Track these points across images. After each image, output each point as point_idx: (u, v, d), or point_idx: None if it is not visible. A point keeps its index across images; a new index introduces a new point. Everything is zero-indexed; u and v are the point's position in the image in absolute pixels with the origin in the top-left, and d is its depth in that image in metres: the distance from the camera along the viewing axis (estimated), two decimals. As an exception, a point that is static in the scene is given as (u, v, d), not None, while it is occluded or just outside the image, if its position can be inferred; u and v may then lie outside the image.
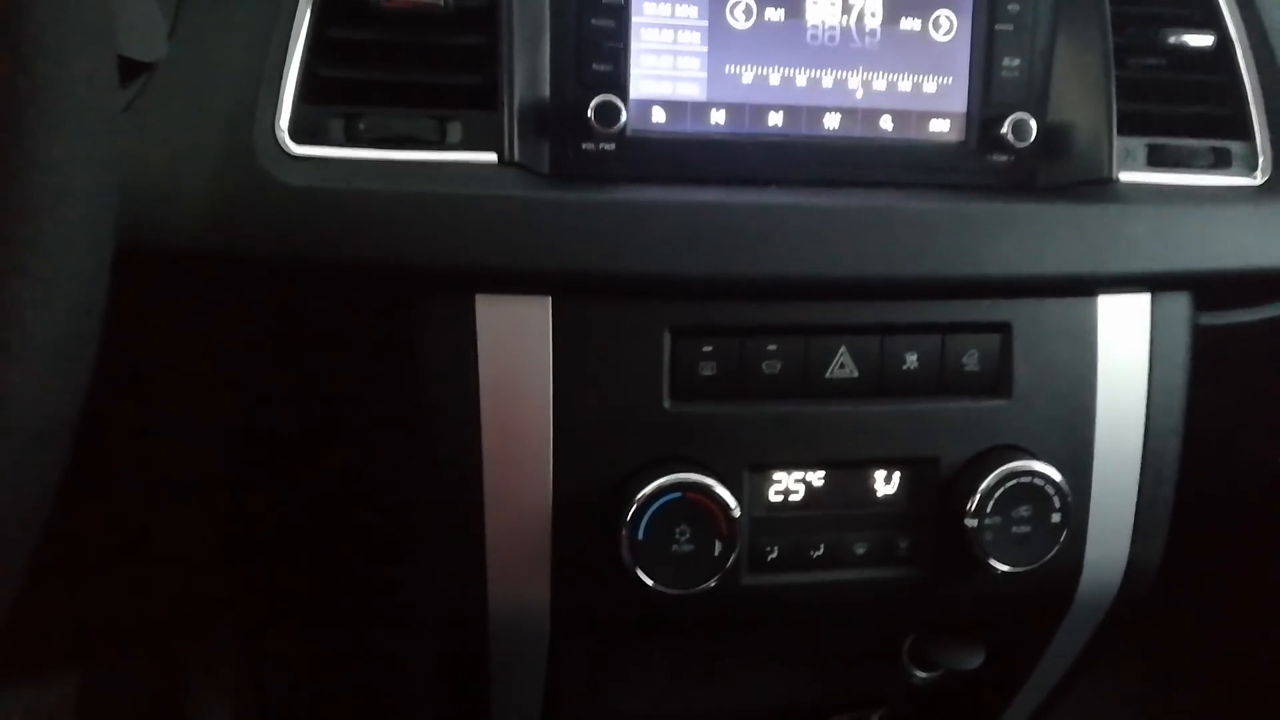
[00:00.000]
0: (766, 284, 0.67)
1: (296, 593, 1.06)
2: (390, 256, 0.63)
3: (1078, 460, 0.74)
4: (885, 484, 0.73)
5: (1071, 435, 0.74)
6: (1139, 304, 0.75)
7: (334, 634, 1.09)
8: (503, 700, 0.76)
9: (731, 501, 0.66)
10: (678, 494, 0.65)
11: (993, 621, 0.82)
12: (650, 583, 0.66)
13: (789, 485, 0.71)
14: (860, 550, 0.72)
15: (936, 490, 0.72)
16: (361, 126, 0.65)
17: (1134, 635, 0.84)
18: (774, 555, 0.71)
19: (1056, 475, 0.71)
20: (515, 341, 0.66)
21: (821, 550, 0.72)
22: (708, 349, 0.68)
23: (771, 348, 0.69)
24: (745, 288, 0.67)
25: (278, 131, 0.63)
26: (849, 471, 0.72)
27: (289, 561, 1.00)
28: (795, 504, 0.71)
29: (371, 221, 0.62)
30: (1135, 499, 0.76)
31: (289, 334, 0.70)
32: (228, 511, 0.93)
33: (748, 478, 0.70)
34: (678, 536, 0.66)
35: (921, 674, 0.86)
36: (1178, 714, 1.14)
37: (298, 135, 0.64)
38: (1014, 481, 0.70)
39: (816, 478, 0.71)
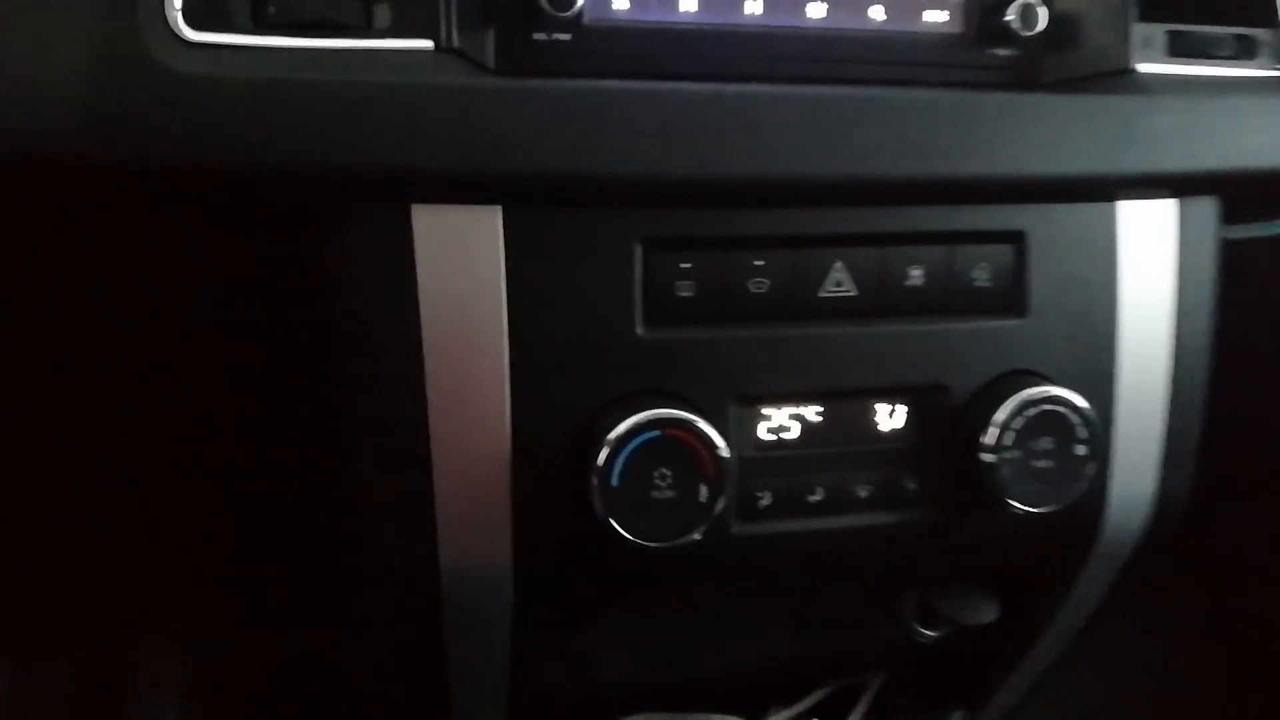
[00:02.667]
0: (751, 187, 0.58)
1: (234, 565, 0.96)
2: (307, 160, 0.53)
3: (1099, 384, 0.66)
4: (889, 417, 0.64)
5: (1092, 357, 0.66)
6: (1163, 211, 0.67)
7: (281, 609, 0.99)
8: (464, 675, 0.67)
9: (718, 439, 0.57)
10: (656, 432, 0.56)
11: (1008, 569, 0.74)
12: (627, 535, 0.57)
13: (782, 420, 0.62)
14: (863, 493, 0.64)
15: (947, 422, 0.64)
16: (271, 9, 0.54)
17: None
18: (767, 501, 0.62)
19: (1081, 401, 0.63)
20: (461, 261, 0.57)
21: (820, 494, 0.63)
22: (685, 265, 0.59)
23: (758, 262, 0.60)
24: (727, 191, 0.58)
25: (169, 12, 0.53)
26: (848, 403, 0.63)
27: (221, 533, 0.90)
28: (789, 442, 0.63)
29: (284, 117, 0.52)
30: (1163, 426, 0.68)
31: (191, 262, 0.60)
32: (144, 483, 0.83)
33: (735, 412, 0.61)
34: (657, 481, 0.57)
35: (928, 632, 0.78)
36: (1176, 677, 1.07)
37: (193, 18, 0.53)
38: (1034, 410, 0.62)
39: (812, 411, 0.63)
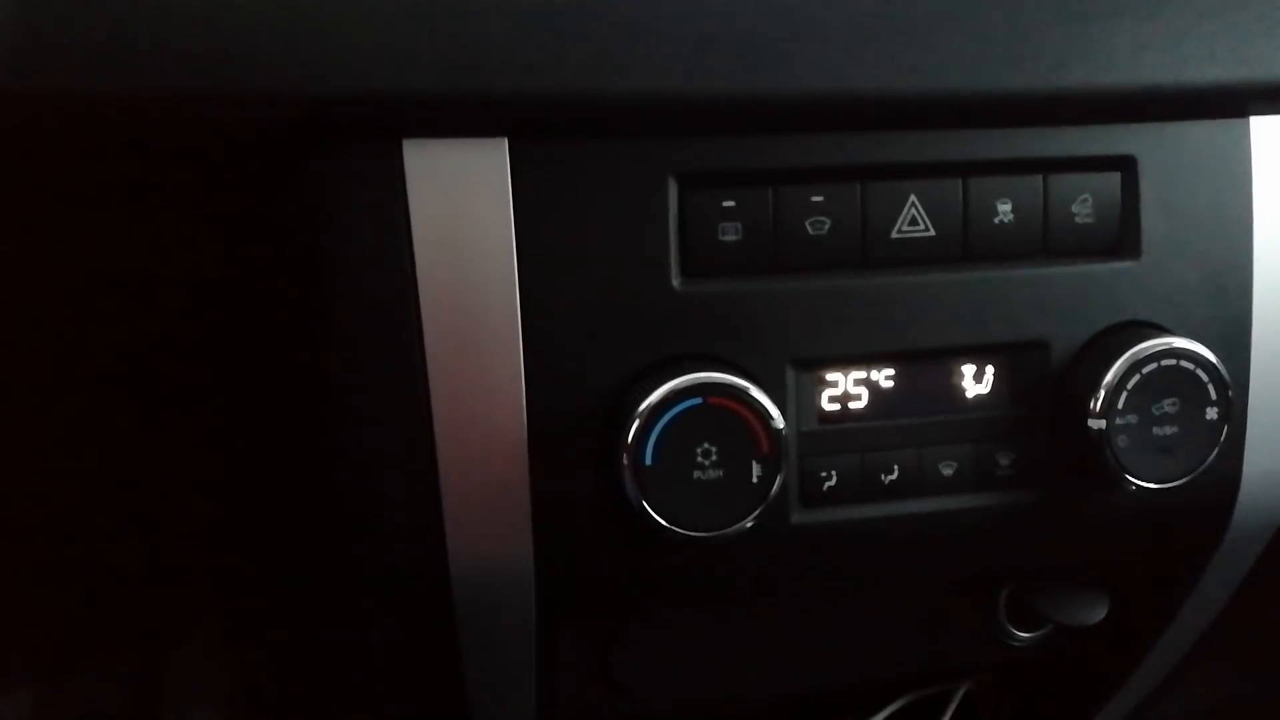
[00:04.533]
0: (806, 106, 0.48)
1: (255, 569, 0.89)
2: (271, 87, 0.44)
3: (1230, 336, 0.55)
4: (977, 381, 0.54)
5: (1221, 305, 0.55)
6: (1305, 129, 0.56)
7: (305, 616, 0.92)
8: (484, 695, 0.58)
9: (773, 407, 0.48)
10: (696, 400, 0.47)
11: (1120, 559, 0.63)
12: (664, 523, 0.47)
13: (848, 388, 0.53)
14: (947, 471, 0.54)
15: (1047, 385, 0.54)
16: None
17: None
18: (832, 482, 0.53)
19: (1210, 355, 0.52)
20: (462, 206, 0.48)
21: (896, 473, 0.53)
22: (729, 204, 0.50)
23: (816, 199, 0.51)
24: (777, 113, 0.49)
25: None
26: (928, 365, 0.53)
27: (236, 533, 0.82)
28: (857, 412, 0.53)
29: (244, 35, 0.43)
30: (1309, 386, 0.57)
31: (144, 218, 0.52)
32: (149, 483, 0.75)
33: (793, 378, 0.51)
34: (700, 459, 0.48)
35: (1023, 634, 0.67)
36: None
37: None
38: (1153, 366, 0.52)
39: (884, 376, 0.53)
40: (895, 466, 0.53)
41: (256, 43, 0.43)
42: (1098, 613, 0.61)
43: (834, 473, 0.53)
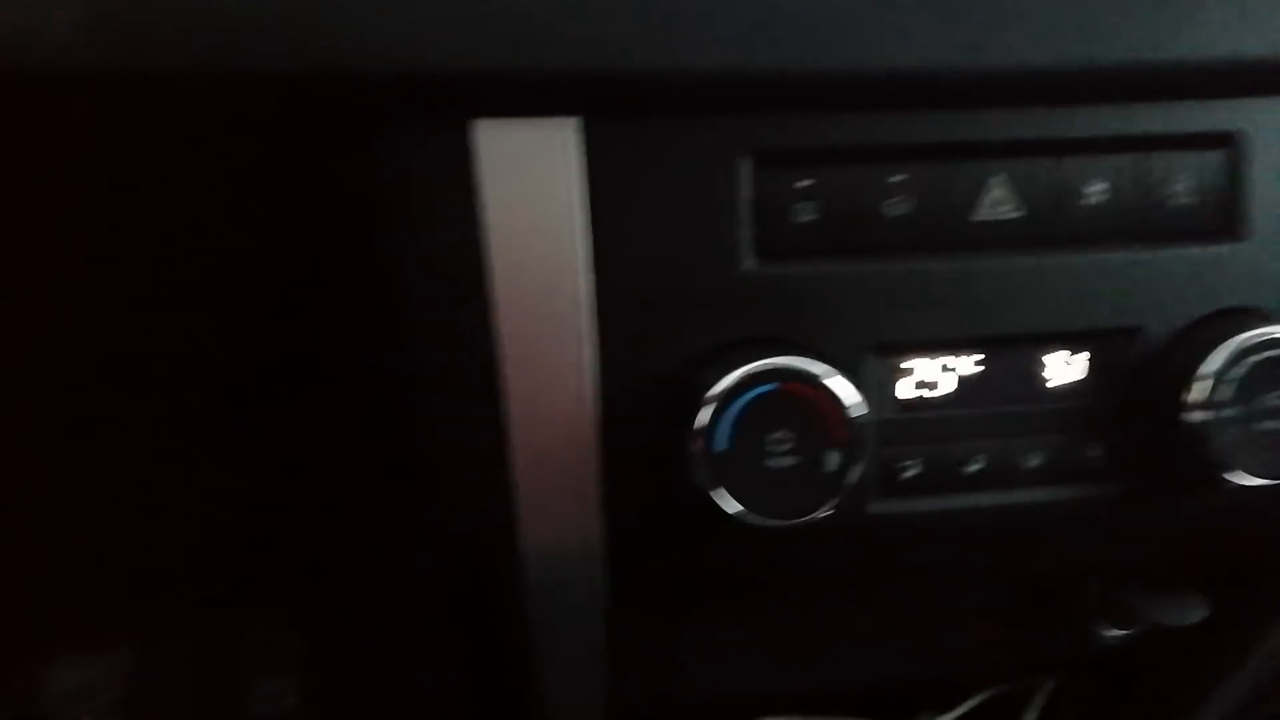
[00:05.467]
0: (885, 82, 0.47)
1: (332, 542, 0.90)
2: (338, 65, 0.44)
3: (1344, 327, 0.52)
4: (1066, 368, 0.52)
5: (1332, 292, 0.52)
6: None
7: (376, 595, 0.93)
8: (554, 677, 0.58)
9: (851, 393, 0.46)
10: (771, 385, 0.46)
11: (1220, 557, 0.60)
12: (737, 510, 0.46)
13: (930, 374, 0.51)
14: (1034, 462, 0.52)
15: (1141, 374, 0.51)
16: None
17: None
18: (913, 472, 0.51)
19: (1321, 345, 0.49)
20: (533, 185, 0.47)
21: (979, 464, 0.51)
22: (805, 183, 0.48)
23: (896, 178, 0.49)
24: (854, 90, 0.47)
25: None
26: (1013, 352, 0.51)
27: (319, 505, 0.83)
28: (940, 400, 0.51)
29: (306, 11, 0.43)
30: None
31: (207, 203, 0.52)
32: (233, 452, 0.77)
33: (872, 364, 0.50)
34: (773, 447, 0.46)
35: (1114, 632, 0.65)
36: None
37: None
38: (1259, 356, 0.49)
39: (969, 363, 0.51)
40: (978, 457, 0.51)
41: (326, 20, 0.43)
42: (1197, 613, 0.59)
43: (915, 462, 0.51)
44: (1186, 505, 0.53)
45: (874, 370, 0.50)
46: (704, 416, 0.46)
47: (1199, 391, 0.49)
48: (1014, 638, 0.65)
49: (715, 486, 0.46)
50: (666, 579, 0.53)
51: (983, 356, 0.51)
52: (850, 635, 0.64)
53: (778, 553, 0.52)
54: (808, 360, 0.46)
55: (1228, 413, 0.49)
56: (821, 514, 0.46)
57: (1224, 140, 0.51)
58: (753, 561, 0.52)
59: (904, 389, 0.51)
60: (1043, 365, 0.51)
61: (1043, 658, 0.70)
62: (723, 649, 0.61)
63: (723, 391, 0.45)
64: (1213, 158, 0.51)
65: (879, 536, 0.52)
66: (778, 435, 0.46)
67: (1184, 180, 0.51)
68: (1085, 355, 0.51)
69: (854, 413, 0.46)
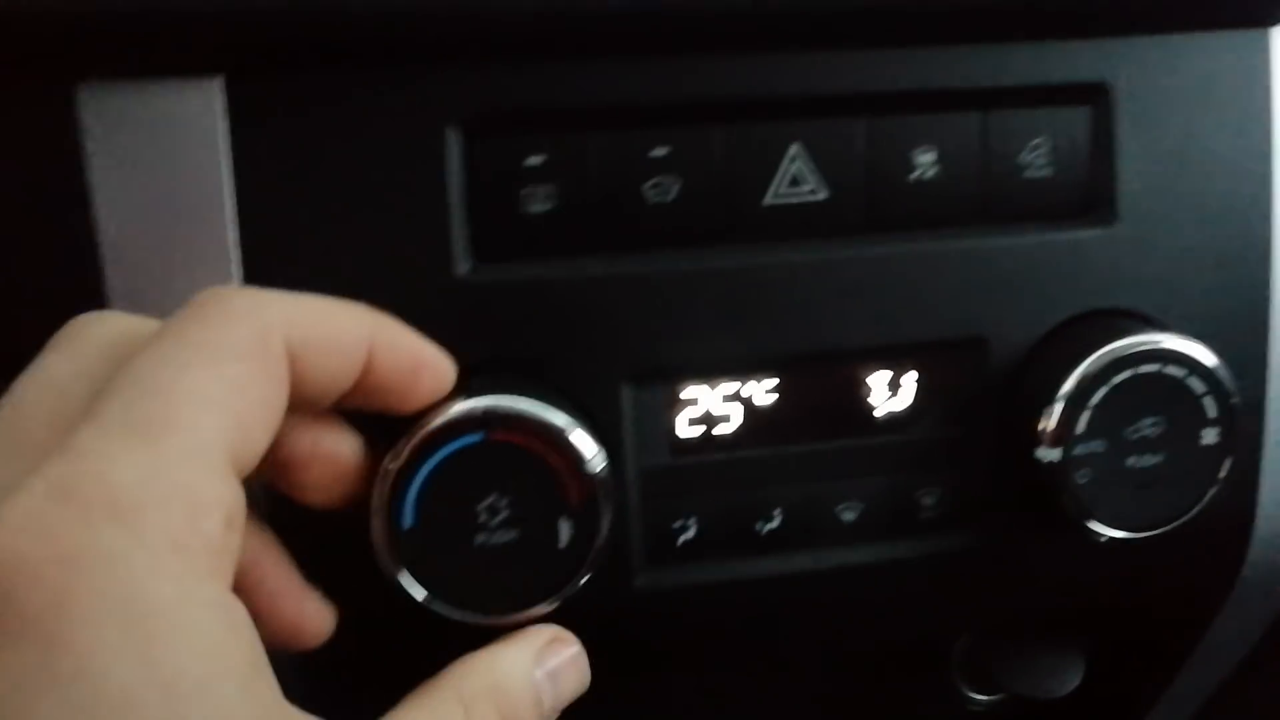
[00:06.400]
0: (640, 13, 0.34)
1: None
2: None
3: (1241, 333, 0.41)
4: (890, 393, 0.40)
5: (1226, 285, 0.41)
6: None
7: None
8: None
9: (584, 444, 0.34)
10: (474, 436, 0.34)
11: (1096, 619, 0.50)
12: (433, 606, 0.34)
13: (713, 406, 0.39)
14: (849, 515, 0.41)
15: (985, 398, 0.40)
16: None
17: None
18: (690, 534, 0.40)
19: (1208, 357, 0.38)
20: (162, 170, 0.35)
21: (778, 519, 0.40)
22: (535, 160, 0.36)
23: (658, 151, 0.37)
24: (597, 21, 0.35)
25: None
26: (822, 373, 0.40)
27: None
28: (726, 439, 0.39)
29: None
30: (1346, 395, 0.43)
31: None
32: None
33: (632, 396, 0.38)
34: (484, 518, 0.34)
35: (979, 696, 0.54)
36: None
37: None
38: (1129, 374, 0.38)
39: (763, 389, 0.39)
40: (777, 510, 0.40)
41: None
42: (1067, 682, 0.48)
43: (693, 520, 0.40)
44: (1045, 559, 0.42)
45: (639, 404, 0.38)
46: (383, 485, 0.33)
47: (1054, 419, 0.38)
48: (874, 706, 0.54)
49: (402, 571, 0.34)
50: (377, 677, 0.41)
51: (779, 381, 0.39)
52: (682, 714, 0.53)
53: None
54: (529, 399, 0.34)
55: (1090, 447, 0.38)
56: (545, 607, 0.35)
57: (1088, 93, 0.39)
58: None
59: (681, 426, 0.39)
60: (859, 390, 0.40)
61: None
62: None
63: (407, 448, 0.33)
64: (1075, 116, 0.40)
65: (653, 613, 0.40)
66: (490, 503, 0.34)
67: (1037, 146, 0.39)
68: (914, 375, 0.40)
69: (589, 469, 0.34)
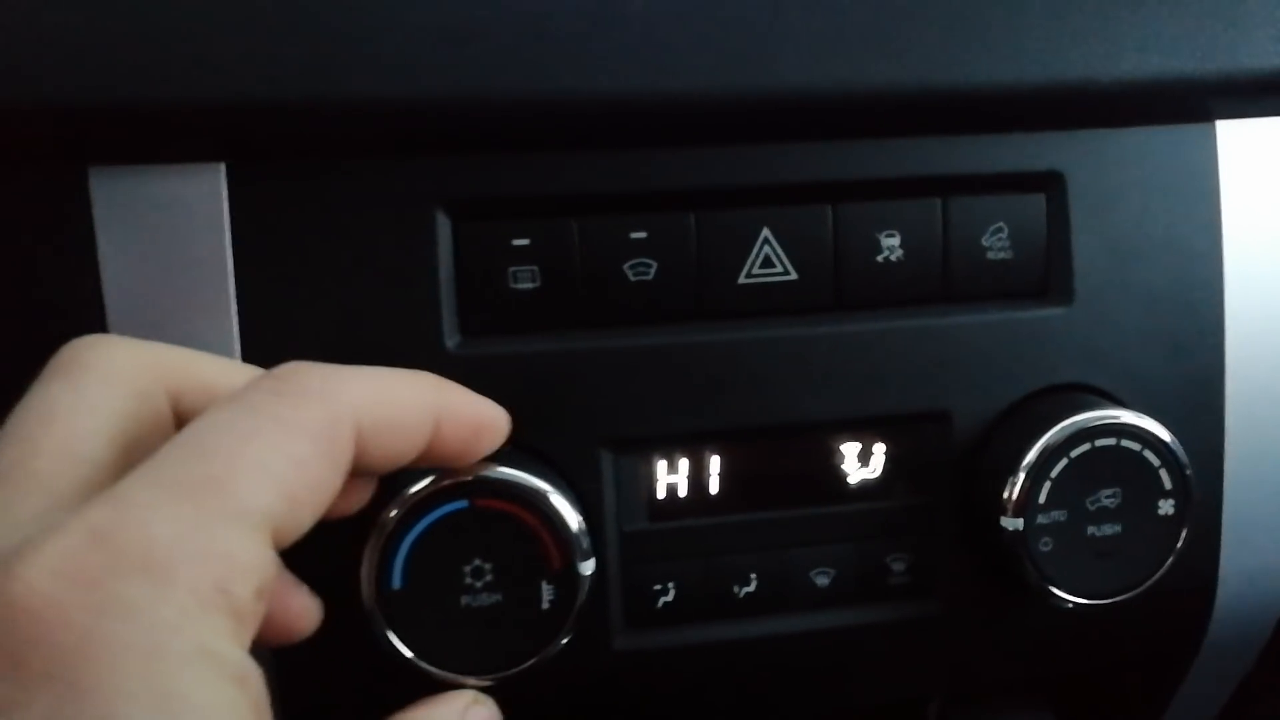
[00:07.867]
0: (620, 111, 0.37)
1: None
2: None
3: (1196, 407, 0.43)
4: (860, 463, 0.42)
5: (1180, 363, 0.43)
6: (1285, 136, 0.43)
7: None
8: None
9: (566, 508, 0.36)
10: (459, 502, 0.36)
11: (1063, 683, 0.51)
12: (422, 665, 0.36)
13: (688, 474, 0.41)
14: (822, 580, 0.42)
15: (950, 469, 0.42)
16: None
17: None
18: (669, 597, 0.41)
19: (1162, 431, 0.40)
20: (168, 253, 0.37)
21: (754, 584, 0.42)
22: (521, 242, 0.39)
23: (638, 235, 0.39)
24: (579, 119, 0.37)
25: None
26: (795, 444, 0.42)
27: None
28: (703, 504, 0.41)
29: None
30: (1301, 466, 0.45)
31: None
32: None
33: (611, 464, 0.40)
34: (470, 580, 0.36)
35: (954, 762, 0.55)
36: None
37: None
38: (1087, 446, 0.40)
39: (739, 459, 0.41)
40: (753, 575, 0.42)
41: None
42: (1039, 744, 0.49)
43: (671, 584, 0.41)
44: (1010, 625, 0.44)
45: (618, 472, 0.40)
46: (373, 548, 0.35)
47: (1017, 490, 0.40)
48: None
49: (388, 632, 0.36)
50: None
51: (753, 451, 0.41)
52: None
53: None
54: (513, 468, 0.36)
55: (1054, 516, 0.40)
56: (527, 664, 0.36)
57: (1045, 182, 0.42)
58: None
59: (658, 493, 0.41)
60: (832, 460, 0.42)
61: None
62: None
63: (392, 517, 0.35)
64: (1032, 203, 0.42)
65: (631, 676, 0.41)
66: (474, 566, 0.36)
67: (998, 231, 0.42)
68: (882, 447, 0.42)
69: (569, 533, 0.36)
